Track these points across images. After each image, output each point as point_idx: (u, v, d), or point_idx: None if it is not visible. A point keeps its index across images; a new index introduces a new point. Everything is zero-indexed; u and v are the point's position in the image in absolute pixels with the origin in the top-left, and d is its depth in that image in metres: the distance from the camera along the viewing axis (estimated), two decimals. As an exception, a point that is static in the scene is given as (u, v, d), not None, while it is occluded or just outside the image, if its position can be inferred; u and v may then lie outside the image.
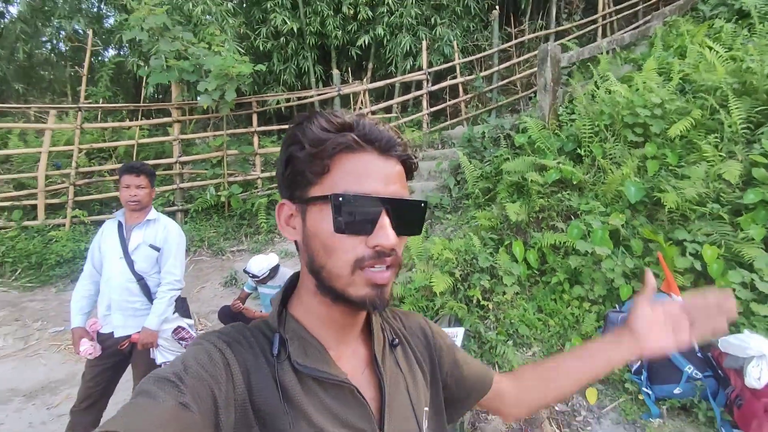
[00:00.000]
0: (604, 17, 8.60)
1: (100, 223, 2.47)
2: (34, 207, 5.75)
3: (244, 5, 7.92)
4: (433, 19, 7.78)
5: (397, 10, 7.60)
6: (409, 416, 0.65)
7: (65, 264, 5.11)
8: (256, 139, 6.37)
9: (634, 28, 6.71)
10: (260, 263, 3.45)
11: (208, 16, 6.55)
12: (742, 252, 2.85)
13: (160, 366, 2.31)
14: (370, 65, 8.31)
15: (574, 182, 3.90)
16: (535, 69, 5.49)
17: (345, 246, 0.54)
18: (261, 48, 7.77)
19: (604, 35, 8.35)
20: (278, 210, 0.61)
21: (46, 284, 4.98)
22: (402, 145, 0.58)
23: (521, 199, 4.11)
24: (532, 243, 3.68)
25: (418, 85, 7.03)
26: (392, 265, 0.56)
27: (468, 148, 5.41)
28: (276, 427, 0.54)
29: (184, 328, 2.31)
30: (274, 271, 3.52)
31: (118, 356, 2.26)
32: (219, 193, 6.01)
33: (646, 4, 8.88)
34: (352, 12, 7.62)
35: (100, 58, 9.88)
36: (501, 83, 7.44)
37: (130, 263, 2.26)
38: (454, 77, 7.22)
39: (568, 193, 3.87)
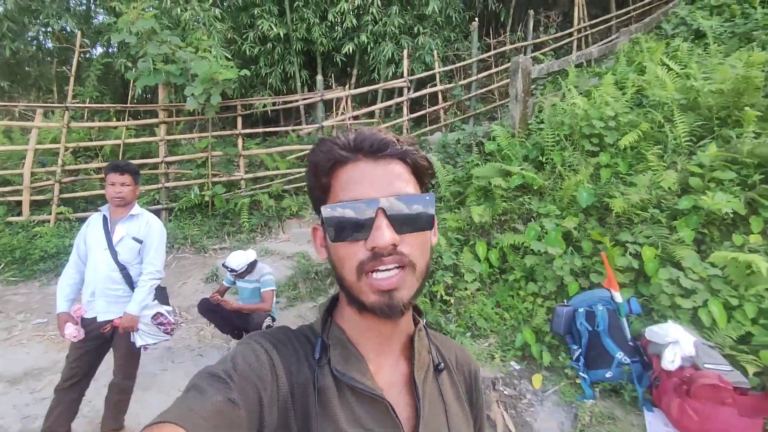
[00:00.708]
0: (579, 31, 9.01)
1: (84, 220, 2.66)
2: (19, 203, 5.86)
3: (232, 11, 8.11)
4: (415, 29, 8.08)
5: (381, 20, 7.88)
6: None
7: (49, 259, 5.24)
8: (240, 141, 6.57)
9: (603, 44, 7.07)
10: (238, 258, 3.66)
11: (196, 22, 6.73)
12: (675, 252, 3.16)
13: (139, 348, 2.52)
14: (355, 71, 8.57)
15: (535, 187, 4.20)
16: (509, 79, 5.76)
17: (348, 253, 0.55)
18: (247, 53, 7.97)
19: (579, 48, 8.75)
20: (312, 234, 0.65)
21: (30, 278, 5.11)
22: (396, 144, 0.58)
23: (487, 202, 4.39)
24: (495, 243, 3.96)
25: (400, 91, 7.31)
26: (401, 266, 0.55)
27: (443, 153, 5.69)
28: (307, 430, 0.55)
29: (162, 314, 2.52)
30: (252, 266, 3.73)
31: (100, 339, 2.46)
32: (203, 193, 6.19)
33: (618, 21, 9.33)
34: (338, 20, 7.88)
35: (88, 56, 9.97)
36: (479, 92, 7.76)
37: (114, 254, 2.47)
38: (434, 85, 7.52)
39: (529, 198, 4.17)
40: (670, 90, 4.42)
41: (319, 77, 7.16)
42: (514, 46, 8.45)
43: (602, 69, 6.22)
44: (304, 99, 7.23)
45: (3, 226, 5.57)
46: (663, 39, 6.67)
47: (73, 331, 2.36)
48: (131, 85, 7.14)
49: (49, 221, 5.75)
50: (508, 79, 7.55)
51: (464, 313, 3.55)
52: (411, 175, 0.59)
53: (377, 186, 0.56)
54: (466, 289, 3.67)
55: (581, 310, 3.05)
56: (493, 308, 3.58)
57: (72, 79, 6.14)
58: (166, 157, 6.29)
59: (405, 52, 7.24)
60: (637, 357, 2.74)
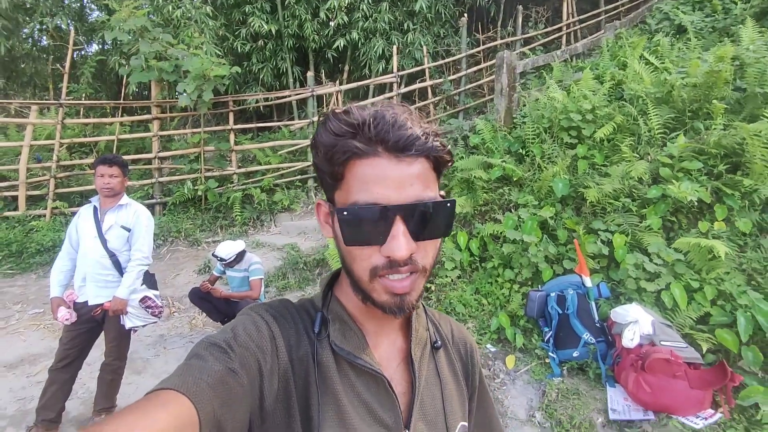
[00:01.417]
0: (568, 26, 9.12)
1: (79, 213, 2.81)
2: (15, 198, 5.98)
3: (224, 8, 8.19)
4: (405, 25, 8.18)
5: (372, 16, 7.98)
6: (439, 423, 0.64)
7: (45, 252, 5.38)
8: (232, 137, 6.69)
9: (589, 39, 7.19)
10: (227, 248, 3.80)
11: (187, 19, 6.83)
12: (643, 239, 3.31)
13: (129, 330, 2.67)
14: (347, 67, 8.67)
15: (515, 179, 4.34)
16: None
17: (362, 255, 0.54)
18: (239, 50, 8.07)
19: (568, 43, 8.87)
20: (317, 209, 0.63)
21: (27, 271, 5.25)
22: (423, 138, 0.53)
23: (469, 193, 4.53)
24: (476, 233, 4.10)
25: (391, 87, 7.43)
26: (414, 271, 0.54)
27: (429, 147, 5.82)
28: (307, 402, 0.56)
29: (150, 298, 2.66)
30: (240, 255, 3.88)
31: (92, 322, 2.61)
32: (196, 187, 6.32)
33: (607, 15, 9.44)
34: (330, 16, 7.98)
35: (83, 52, 10.05)
36: (468, 87, 7.88)
37: (104, 242, 2.61)
38: (424, 80, 7.64)
39: (509, 189, 4.31)
40: (647, 84, 4.55)
41: (310, 73, 7.28)
42: (504, 41, 8.57)
43: (585, 63, 6.33)
44: (296, 95, 7.35)
45: (0, 221, 5.70)
46: (647, 34, 6.80)
47: (66, 314, 2.50)
48: (124, 82, 7.25)
49: (44, 216, 5.88)
50: (497, 74, 7.72)
51: (444, 299, 3.70)
52: (432, 172, 0.56)
53: (398, 189, 0.52)
54: (447, 276, 3.82)
55: (553, 294, 3.19)
56: (472, 295, 3.73)
57: (66, 77, 6.25)
58: (159, 152, 6.42)
59: (394, 48, 7.35)
60: (602, 337, 2.89)
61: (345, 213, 0.52)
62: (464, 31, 7.78)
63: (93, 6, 10.00)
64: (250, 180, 6.68)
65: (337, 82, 7.64)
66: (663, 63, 5.09)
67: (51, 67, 9.44)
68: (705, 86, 4.08)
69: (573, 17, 9.20)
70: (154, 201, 6.32)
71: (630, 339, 2.57)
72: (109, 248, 2.61)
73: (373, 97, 7.66)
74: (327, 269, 4.52)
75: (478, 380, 0.76)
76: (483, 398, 0.78)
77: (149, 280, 2.79)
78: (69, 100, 6.59)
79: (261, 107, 8.34)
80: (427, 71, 7.67)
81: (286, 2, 7.97)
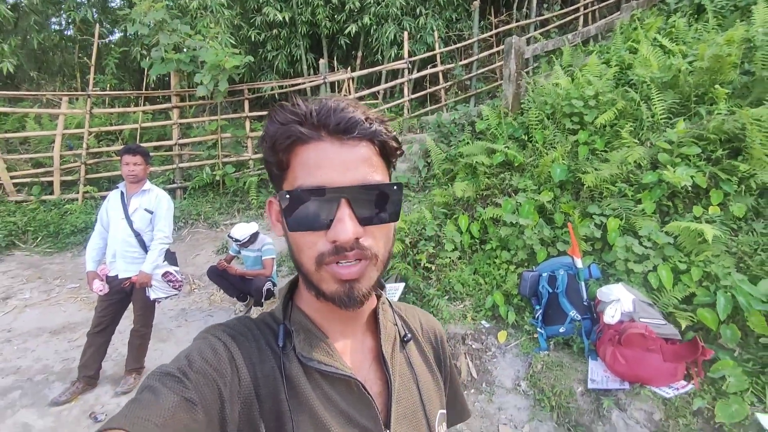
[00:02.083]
0: (585, 6, 8.95)
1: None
2: (51, 183, 6.43)
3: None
4: (417, 9, 8.21)
5: (383, 1, 8.04)
6: (419, 416, 0.63)
7: (79, 233, 5.81)
8: (248, 123, 6.95)
9: (604, 22, 7.09)
10: (242, 230, 4.09)
11: (204, 9, 7.06)
12: (636, 223, 3.42)
13: (153, 301, 2.98)
14: (359, 53, 8.78)
15: (516, 164, 4.46)
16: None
17: (307, 242, 0.53)
18: (254, 38, 8.27)
19: (585, 24, 8.72)
20: (268, 207, 0.61)
21: (63, 250, 5.69)
22: (367, 123, 0.53)
23: (473, 178, 4.68)
24: (477, 216, 4.27)
25: (403, 72, 7.53)
26: (362, 258, 0.52)
27: (437, 133, 5.96)
28: (280, 420, 0.53)
29: (171, 273, 2.97)
30: (254, 237, 4.16)
31: (121, 294, 2.93)
32: (214, 173, 6.64)
33: (627, -6, 9.20)
34: (342, 1, 8.07)
35: (107, 40, 10.44)
36: (480, 71, 7.91)
37: (130, 223, 2.91)
38: (435, 65, 7.70)
39: (510, 174, 4.44)
40: (654, 68, 4.56)
41: (323, 60, 7.44)
42: (518, 24, 8.50)
43: (594, 47, 6.29)
44: (309, 82, 7.54)
45: (38, 204, 6.16)
46: (665, 14, 6.67)
47: (100, 286, 2.83)
48: (145, 73, 7.57)
49: (77, 199, 6.31)
50: (509, 58, 7.71)
51: (444, 279, 3.91)
52: (379, 157, 0.55)
53: (342, 171, 0.51)
54: (447, 257, 4.01)
55: (545, 274, 3.36)
56: (470, 275, 3.92)
57: (92, 68, 6.60)
58: (179, 139, 6.74)
59: (405, 33, 7.42)
60: (588, 315, 3.06)
61: (287, 196, 0.51)
62: (476, 15, 7.77)
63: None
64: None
65: (349, 68, 7.76)
66: (677, 45, 5.05)
67: (78, 57, 9.87)
68: (711, 70, 4.08)
69: (590, -3, 9.01)
70: (175, 186, 6.68)
71: (611, 316, 2.73)
72: (134, 228, 2.92)
73: (386, 82, 7.78)
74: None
75: (449, 365, 0.77)
76: (452, 377, 0.79)
77: (170, 257, 3.09)
78: (96, 90, 6.96)
79: (276, 94, 8.57)
80: (438, 56, 7.72)
81: (300, -11, 8.10)
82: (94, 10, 9.12)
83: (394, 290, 3.52)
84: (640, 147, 3.81)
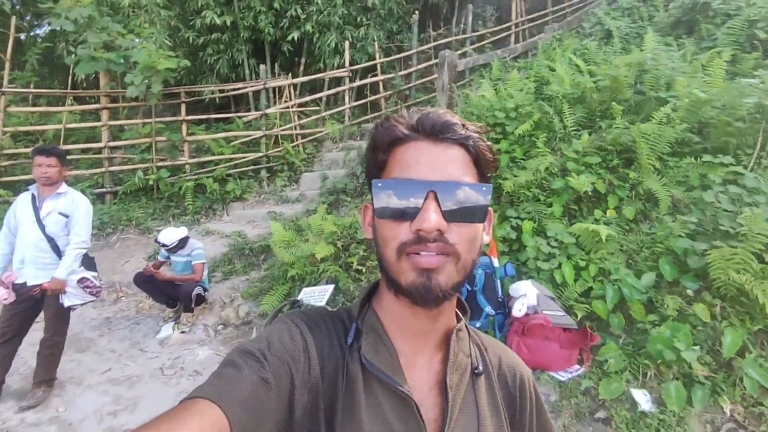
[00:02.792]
0: (516, 25, 9.59)
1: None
2: (-42, 187, 5.93)
3: (178, -3, 8.18)
4: (359, 19, 8.41)
5: (326, 10, 8.17)
6: None
7: (-9, 241, 5.39)
8: (185, 127, 6.79)
9: (529, 41, 7.65)
10: (170, 234, 4.02)
11: (137, 8, 6.84)
12: (546, 225, 3.76)
13: (68, 309, 2.88)
14: (302, 60, 8.83)
15: (445, 171, 4.72)
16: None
17: (393, 232, 0.54)
18: (192, 41, 8.09)
19: (516, 42, 9.33)
20: (363, 212, 0.64)
21: (-28, 259, 5.26)
22: (462, 129, 0.57)
23: (405, 184, 4.89)
24: (407, 220, 4.47)
25: (345, 80, 7.68)
26: (443, 252, 0.53)
27: (374, 140, 6.15)
28: (333, 417, 0.55)
29: (88, 279, 2.89)
30: (183, 242, 4.11)
31: (30, 301, 2.81)
32: (147, 177, 6.41)
33: (553, 16, 9.96)
34: (284, 9, 8.10)
35: (34, 33, 9.74)
36: (419, 82, 8.23)
37: (42, 227, 2.81)
38: (376, 75, 7.93)
39: (439, 180, 4.69)
40: (567, 85, 5.01)
41: (263, 66, 7.44)
42: (455, 38, 8.94)
43: (522, 64, 6.79)
44: (251, 87, 7.49)
45: (-58, 210, 5.65)
46: (581, 37, 7.32)
47: (4, 294, 2.70)
48: (71, 71, 7.19)
49: (-11, 204, 5.86)
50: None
51: (374, 281, 4.05)
52: (472, 164, 0.57)
53: (433, 168, 0.54)
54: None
55: (465, 274, 3.60)
56: (399, 276, 4.10)
57: (7, 64, 6.18)
58: (109, 142, 6.46)
59: (346, 42, 7.60)
60: (501, 309, 3.32)
61: (380, 184, 0.55)
62: (415, 28, 8.10)
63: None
64: (203, 170, 6.82)
65: (290, 75, 7.80)
66: (588, 65, 5.58)
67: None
68: (611, 89, 4.57)
69: (522, 17, 9.67)
70: (104, 190, 6.39)
71: (518, 309, 2.99)
72: (47, 233, 2.81)
73: (328, 90, 7.89)
74: (271, 255, 4.79)
75: (533, 416, 0.70)
76: (541, 425, 0.71)
77: (88, 262, 3.00)
78: (12, 88, 6.51)
79: (218, 98, 8.42)
80: (379, 66, 7.95)
81: (241, -7, 8.04)
82: (12, 2, 8.51)
83: (323, 292, 3.62)
84: (552, 156, 4.18)
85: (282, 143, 7.00)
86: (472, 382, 0.63)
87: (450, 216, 0.53)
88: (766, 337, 2.63)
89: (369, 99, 7.86)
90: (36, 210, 2.83)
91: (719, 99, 3.98)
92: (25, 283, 2.78)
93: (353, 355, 0.58)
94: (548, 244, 3.57)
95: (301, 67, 8.82)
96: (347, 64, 7.46)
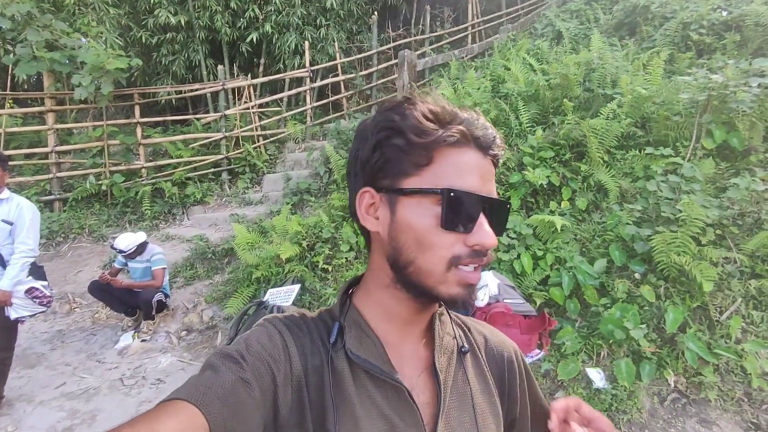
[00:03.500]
0: (473, 26, 9.84)
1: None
2: None
3: (128, -5, 7.87)
4: (318, 20, 8.38)
5: (285, 10, 8.09)
6: None
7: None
8: (139, 130, 6.54)
9: (485, 42, 7.88)
10: (127, 240, 3.87)
11: (84, 6, 6.53)
12: (505, 218, 3.89)
13: (15, 321, 2.73)
14: (261, 61, 8.70)
15: (407, 168, 4.80)
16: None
17: (444, 243, 0.53)
18: (145, 41, 7.81)
19: (473, 42, 9.58)
20: (359, 198, 0.59)
21: None
22: (500, 141, 0.57)
23: (369, 182, 4.93)
24: (371, 218, 4.51)
25: (305, 81, 7.63)
26: (484, 265, 0.55)
27: (337, 140, 6.16)
28: (323, 413, 0.55)
29: (37, 288, 2.74)
30: (142, 247, 3.97)
31: (-27, 315, 2.64)
32: (100, 182, 6.13)
33: (508, 17, 10.28)
34: (242, 9, 7.95)
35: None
36: (380, 81, 8.29)
37: (-17, 235, 2.64)
38: (336, 75, 7.93)
39: (402, 177, 4.76)
40: (521, 83, 5.21)
41: (221, 67, 7.27)
42: (414, 38, 9.07)
43: (479, 63, 6.99)
44: (208, 88, 7.31)
45: None
46: (534, 38, 7.62)
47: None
48: (9, 71, 6.77)
49: None
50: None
51: (340, 278, 4.07)
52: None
53: (484, 182, 0.54)
54: (343, 258, 4.19)
55: (430, 267, 3.68)
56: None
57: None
58: (56, 146, 6.13)
59: (306, 43, 7.56)
60: (465, 300, 3.42)
61: (452, 194, 0.52)
62: (375, 28, 8.15)
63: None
64: (161, 174, 6.59)
65: (250, 75, 7.68)
66: (541, 64, 5.82)
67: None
68: (562, 87, 4.79)
69: (478, 18, 9.93)
70: (52, 197, 6.05)
71: (481, 299, 3.09)
72: (-11, 242, 2.65)
73: (288, 90, 7.81)
74: (235, 258, 4.71)
75: (525, 388, 0.72)
76: (522, 410, 0.72)
77: (36, 271, 2.85)
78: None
79: (174, 100, 8.16)
80: (339, 66, 7.96)
81: (196, -8, 7.84)
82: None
83: (289, 293, 3.59)
84: (508, 151, 4.34)
85: (243, 145, 6.87)
86: (460, 362, 0.64)
87: (495, 230, 0.55)
88: (704, 313, 2.85)
89: (331, 99, 7.85)
90: (-24, 218, 2.66)
91: (659, 95, 4.27)
92: (-34, 295, 2.61)
93: (338, 353, 0.58)
94: (507, 235, 3.71)
95: (261, 68, 8.69)
96: (308, 64, 7.42)
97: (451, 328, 0.66)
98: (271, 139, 7.25)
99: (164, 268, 4.00)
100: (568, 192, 4.01)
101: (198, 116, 7.47)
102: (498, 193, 0.60)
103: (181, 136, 6.91)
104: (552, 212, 3.88)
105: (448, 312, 0.68)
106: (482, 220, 0.53)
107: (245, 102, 7.11)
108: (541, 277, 3.49)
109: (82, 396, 3.10)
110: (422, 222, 0.53)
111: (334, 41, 8.13)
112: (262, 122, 7.26)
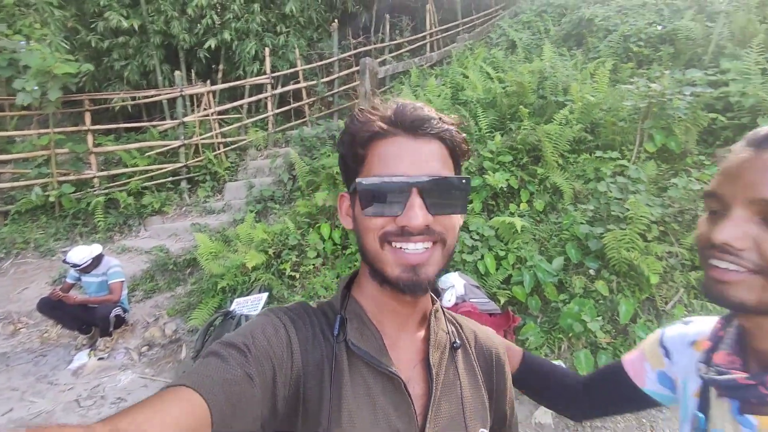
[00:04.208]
0: (431, 35, 10.10)
1: None
2: None
3: (74, -3, 7.50)
4: (278, 27, 8.34)
5: (244, 17, 7.99)
6: (457, 428, 0.63)
7: None
8: (90, 138, 6.23)
9: (443, 50, 8.11)
10: (80, 253, 3.69)
11: (25, 7, 6.17)
12: (468, 219, 4.03)
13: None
14: (220, 67, 8.53)
15: (372, 174, 4.86)
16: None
17: (374, 225, 0.57)
18: (95, 45, 7.46)
19: (431, 51, 9.83)
20: (339, 201, 0.66)
21: None
22: (437, 122, 0.58)
23: (334, 188, 4.95)
24: (338, 224, 4.52)
25: (266, 87, 7.55)
26: (431, 241, 0.56)
27: (301, 146, 6.13)
28: (320, 405, 0.56)
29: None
30: (97, 260, 3.79)
31: None
32: (47, 193, 5.79)
33: (464, 27, 10.65)
34: (199, 15, 7.77)
35: None
36: (342, 88, 8.34)
37: None
38: (298, 82, 7.90)
39: (367, 183, 4.81)
40: (479, 91, 5.42)
41: (178, 73, 7.07)
42: (374, 46, 9.20)
43: (436, 70, 7.19)
44: (164, 94, 7.08)
45: None
46: (490, 47, 7.93)
47: None
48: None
49: None
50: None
51: (308, 285, 4.06)
52: (449, 156, 0.59)
53: (414, 164, 0.56)
54: (310, 264, 4.17)
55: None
56: (334, 279, 4.14)
57: None
58: (-4, 156, 5.74)
59: (267, 49, 7.49)
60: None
61: (364, 183, 0.56)
62: (335, 36, 8.21)
63: None
64: (115, 183, 6.31)
65: (209, 82, 7.51)
66: (497, 73, 6.07)
67: None
68: (518, 94, 5.03)
69: (435, 27, 10.21)
70: (-8, 210, 5.65)
71: (448, 300, 3.18)
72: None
73: (249, 97, 7.70)
74: (198, 268, 4.58)
75: (508, 385, 0.76)
76: (500, 403, 0.76)
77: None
78: None
79: (129, 107, 7.83)
80: (300, 73, 7.94)
81: (150, -4, 7.59)
82: None
83: (256, 301, 3.54)
84: (471, 156, 4.49)
85: (203, 152, 6.70)
86: (452, 357, 0.67)
87: (434, 209, 0.56)
88: (652, 304, 3.08)
89: (292, 106, 7.81)
90: None
91: (605, 102, 4.57)
92: None
93: (340, 345, 0.59)
94: (471, 237, 3.84)
95: (220, 74, 8.52)
96: (268, 71, 7.36)
97: (444, 324, 0.69)
98: (232, 146, 7.12)
99: (122, 281, 3.83)
100: (526, 194, 4.21)
101: (154, 123, 7.20)
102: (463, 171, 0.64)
103: (137, 144, 6.65)
104: (512, 214, 4.05)
105: (442, 309, 0.71)
106: (411, 202, 0.55)
107: (204, 109, 6.95)
108: (504, 276, 3.63)
109: (34, 421, 2.91)
110: (359, 212, 0.58)
111: (294, 48, 8.11)
112: (222, 129, 7.11)
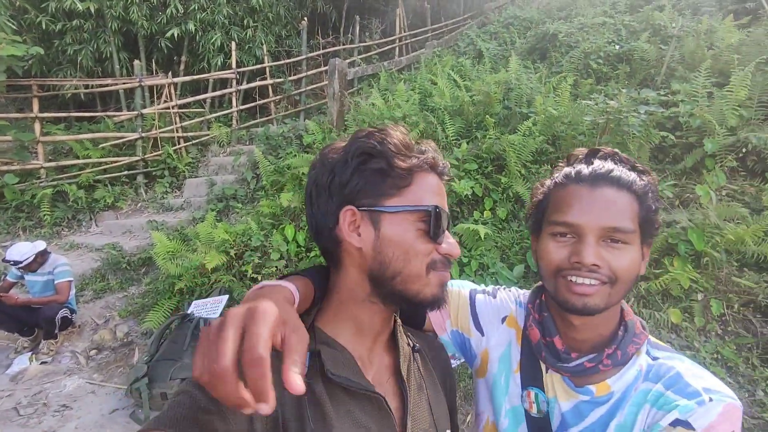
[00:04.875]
0: (400, 39, 10.19)
1: None
2: None
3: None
4: (245, 21, 8.14)
5: (209, 7, 7.74)
6: (429, 430, 0.68)
7: None
8: (38, 126, 5.84)
9: (413, 55, 8.20)
10: (22, 249, 3.46)
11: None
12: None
13: None
14: (183, 58, 8.23)
15: (339, 176, 4.84)
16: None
17: (424, 251, 0.62)
18: (45, 27, 7.00)
19: (400, 54, 9.91)
20: (342, 215, 0.63)
21: None
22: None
23: (300, 189, 4.89)
24: (303, 225, 4.47)
25: (231, 82, 7.35)
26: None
27: (266, 145, 6.01)
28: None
29: None
30: (42, 257, 3.56)
31: None
32: (-15, 184, 5.38)
33: (433, 33, 10.81)
34: (160, 2, 7.46)
35: None
36: (309, 88, 8.25)
37: None
38: (264, 78, 7.75)
39: (334, 185, 4.79)
40: (447, 98, 5.51)
41: (137, 62, 6.75)
42: (343, 47, 9.17)
43: (407, 76, 7.26)
44: (122, 84, 6.74)
45: None
46: (458, 55, 8.08)
47: None
48: None
49: None
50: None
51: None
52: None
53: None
54: (273, 267, 4.10)
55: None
56: (297, 281, 4.08)
57: None
58: (-72, 141, 5.27)
59: (233, 43, 7.30)
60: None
61: (438, 210, 0.64)
62: (304, 34, 8.12)
63: None
64: (64, 175, 5.94)
65: (170, 73, 7.22)
66: (464, 81, 6.19)
67: None
68: (484, 103, 5.16)
69: (405, 31, 10.30)
70: None
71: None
72: None
73: (213, 91, 7.47)
74: (153, 268, 4.40)
75: (454, 381, 0.84)
76: (454, 410, 0.84)
77: None
78: None
79: (82, 95, 7.40)
80: (267, 70, 7.79)
81: (108, -21, 7.20)
82: None
83: (216, 304, 3.44)
84: (435, 163, 4.57)
85: (162, 146, 6.43)
86: (414, 361, 0.72)
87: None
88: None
89: (258, 103, 7.65)
90: None
91: (567, 116, 4.76)
92: None
93: (314, 378, 0.60)
94: (436, 243, 3.90)
95: (182, 66, 8.22)
96: (234, 65, 7.17)
97: (404, 335, 0.74)
98: (194, 141, 6.88)
99: (70, 280, 3.62)
100: (489, 202, 4.32)
101: (109, 114, 6.85)
102: None
103: (90, 135, 6.28)
104: (476, 221, 4.15)
105: (395, 318, 0.75)
106: (448, 233, 0.65)
107: (165, 101, 6.67)
108: (467, 281, 3.71)
109: (-35, 431, 2.69)
110: (408, 235, 0.62)
111: (262, 44, 7.94)
112: (183, 123, 6.85)
